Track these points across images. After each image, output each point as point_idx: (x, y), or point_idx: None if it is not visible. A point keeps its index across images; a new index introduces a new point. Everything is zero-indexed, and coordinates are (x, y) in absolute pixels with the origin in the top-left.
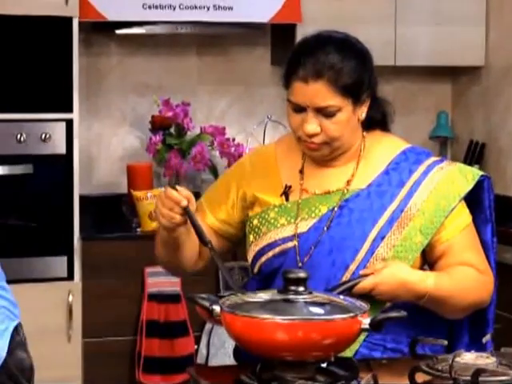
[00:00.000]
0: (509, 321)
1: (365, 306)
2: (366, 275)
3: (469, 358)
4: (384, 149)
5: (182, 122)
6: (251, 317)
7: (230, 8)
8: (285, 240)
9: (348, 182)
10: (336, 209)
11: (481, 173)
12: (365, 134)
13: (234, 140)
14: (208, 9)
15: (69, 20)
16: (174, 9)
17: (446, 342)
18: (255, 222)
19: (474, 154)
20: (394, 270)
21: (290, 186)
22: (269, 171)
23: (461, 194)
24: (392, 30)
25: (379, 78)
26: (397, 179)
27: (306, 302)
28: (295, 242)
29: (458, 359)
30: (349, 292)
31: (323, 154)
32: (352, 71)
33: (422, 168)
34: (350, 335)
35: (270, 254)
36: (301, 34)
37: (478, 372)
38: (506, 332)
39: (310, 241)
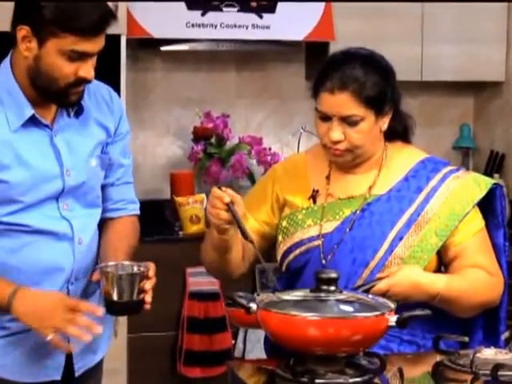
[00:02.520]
0: None
1: (391, 304)
2: (381, 278)
3: (489, 353)
4: (404, 158)
5: (222, 132)
6: (286, 314)
7: (268, 27)
8: (310, 239)
9: (370, 188)
10: (358, 212)
11: (493, 181)
12: (387, 144)
13: (270, 149)
14: (247, 27)
15: (117, 37)
16: (216, 27)
17: (466, 339)
18: (284, 223)
19: (495, 164)
20: (407, 273)
21: (318, 191)
22: (299, 177)
23: (474, 200)
24: (419, 47)
25: (406, 92)
26: (415, 185)
27: (336, 301)
28: (320, 242)
29: (478, 355)
30: (366, 293)
31: (346, 161)
32: (375, 85)
33: (438, 176)
34: (377, 332)
35: (297, 252)
36: (333, 51)
37: (498, 367)
38: None
39: (334, 240)
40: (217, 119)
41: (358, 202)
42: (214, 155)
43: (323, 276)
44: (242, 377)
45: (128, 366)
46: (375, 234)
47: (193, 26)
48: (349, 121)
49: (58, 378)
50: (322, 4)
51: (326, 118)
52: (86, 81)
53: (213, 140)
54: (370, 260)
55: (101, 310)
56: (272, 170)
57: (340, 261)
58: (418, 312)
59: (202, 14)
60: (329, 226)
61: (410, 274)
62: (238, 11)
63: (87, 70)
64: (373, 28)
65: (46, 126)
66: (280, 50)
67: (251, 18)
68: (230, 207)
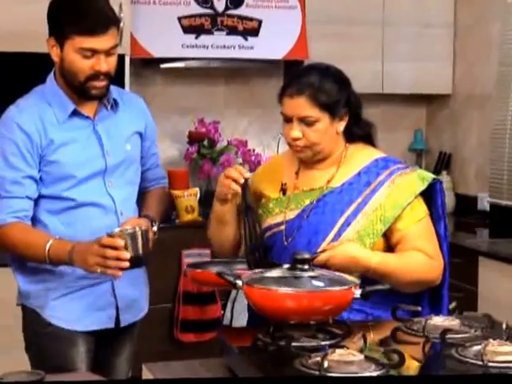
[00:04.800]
0: (469, 291)
1: (356, 280)
2: (324, 250)
3: (438, 320)
4: (361, 157)
5: (213, 136)
6: (266, 289)
7: (252, 47)
8: (277, 225)
9: (328, 182)
10: (315, 202)
11: (433, 177)
12: (348, 145)
13: (254, 151)
14: (234, 48)
15: (122, 57)
16: (207, 48)
17: (419, 308)
18: (260, 211)
19: (443, 163)
20: (345, 247)
21: (285, 184)
22: (274, 174)
23: (416, 192)
24: (380, 64)
25: (369, 102)
26: (365, 180)
27: (309, 277)
28: (283, 227)
29: (429, 321)
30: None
31: (307, 156)
32: (328, 91)
33: (386, 172)
34: (344, 303)
35: (267, 234)
36: None
37: (445, 331)
38: (467, 300)
39: (294, 226)
40: (208, 125)
41: (317, 193)
42: (206, 155)
43: (298, 257)
44: (229, 341)
45: None
46: (327, 220)
47: (188, 46)
48: (306, 121)
49: (112, 326)
50: (298, 28)
51: (288, 119)
52: (100, 73)
53: (205, 143)
54: (322, 242)
55: (126, 254)
56: (254, 174)
57: (298, 242)
58: (379, 286)
59: (196, 37)
60: (292, 214)
61: (348, 249)
62: (227, 34)
63: (100, 64)
64: (341, 48)
65: (88, 117)
66: (262, 67)
67: (238, 40)
68: (245, 181)
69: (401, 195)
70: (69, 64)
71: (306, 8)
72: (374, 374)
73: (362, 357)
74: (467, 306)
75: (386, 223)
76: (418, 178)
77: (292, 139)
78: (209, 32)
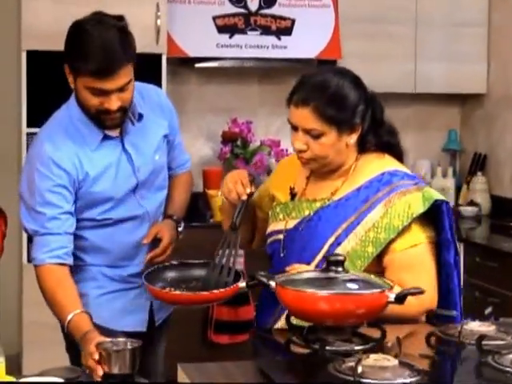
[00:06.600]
0: (505, 296)
1: (390, 283)
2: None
3: (474, 325)
4: (370, 169)
5: (246, 136)
6: (300, 291)
7: (285, 47)
8: (278, 232)
9: (332, 194)
10: (312, 214)
11: (437, 198)
12: (359, 156)
13: (286, 150)
14: (267, 48)
15: (159, 56)
16: (241, 47)
17: (454, 313)
18: (270, 213)
19: (478, 164)
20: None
21: (294, 188)
22: (289, 176)
23: (413, 214)
24: (413, 64)
25: (402, 102)
26: (364, 196)
27: (343, 280)
28: (282, 236)
29: (465, 327)
30: None
31: (313, 168)
32: (338, 103)
33: (387, 189)
34: (378, 306)
35: (269, 240)
36: None
37: (482, 337)
38: (504, 305)
39: (291, 237)
40: (242, 125)
41: (318, 204)
42: (239, 155)
43: (332, 259)
44: (262, 343)
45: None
46: (317, 237)
47: (222, 46)
48: (311, 133)
49: (143, 329)
50: (331, 27)
51: (294, 127)
52: (110, 111)
53: (238, 142)
54: (311, 260)
55: (100, 371)
56: (273, 172)
57: (290, 256)
58: (413, 290)
59: (230, 37)
60: (291, 223)
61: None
62: (260, 34)
63: (110, 103)
64: (374, 48)
65: (116, 137)
66: (295, 66)
67: (271, 39)
68: (248, 198)
69: (396, 217)
70: (81, 98)
71: (338, 7)
72: (408, 380)
73: (396, 362)
74: (503, 312)
75: (378, 246)
76: (421, 199)
77: (296, 151)
78: (242, 32)
